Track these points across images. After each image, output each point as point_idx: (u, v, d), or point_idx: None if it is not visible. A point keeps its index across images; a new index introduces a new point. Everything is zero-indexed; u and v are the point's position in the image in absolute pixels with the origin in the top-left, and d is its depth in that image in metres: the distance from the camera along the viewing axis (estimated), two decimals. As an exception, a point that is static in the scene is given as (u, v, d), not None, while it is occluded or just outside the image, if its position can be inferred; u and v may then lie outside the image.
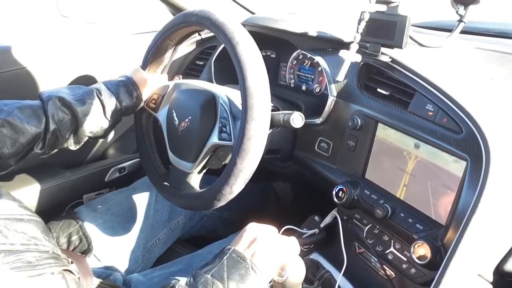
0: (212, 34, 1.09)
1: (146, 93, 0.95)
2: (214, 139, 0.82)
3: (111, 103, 0.88)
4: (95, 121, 0.87)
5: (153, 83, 0.96)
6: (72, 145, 0.88)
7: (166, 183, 0.94)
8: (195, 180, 0.89)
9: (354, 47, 0.79)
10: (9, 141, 0.78)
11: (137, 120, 1.01)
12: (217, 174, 0.79)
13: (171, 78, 1.06)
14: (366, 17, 0.75)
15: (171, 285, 0.61)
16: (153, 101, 0.96)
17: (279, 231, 0.95)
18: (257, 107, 0.70)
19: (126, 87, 0.91)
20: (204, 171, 0.88)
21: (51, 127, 0.81)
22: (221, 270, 0.61)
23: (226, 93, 0.84)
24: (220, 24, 0.74)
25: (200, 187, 0.89)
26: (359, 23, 0.88)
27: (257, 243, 0.66)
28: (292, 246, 0.70)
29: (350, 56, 0.79)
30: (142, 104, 0.96)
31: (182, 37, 0.93)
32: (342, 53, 0.80)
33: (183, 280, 0.63)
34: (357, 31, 0.76)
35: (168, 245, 1.14)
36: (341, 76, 0.80)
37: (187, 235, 1.20)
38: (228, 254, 0.63)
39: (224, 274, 0.60)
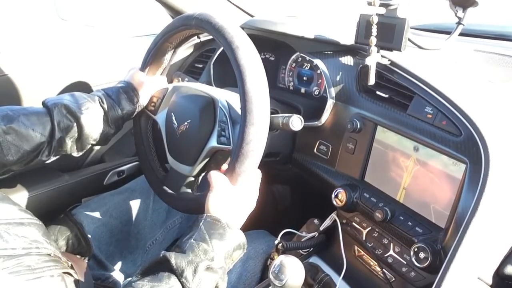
0: (211, 37, 1.09)
1: (145, 96, 0.95)
2: (213, 142, 0.82)
3: (113, 111, 0.89)
4: (98, 129, 0.88)
5: (152, 85, 0.96)
6: (74, 152, 0.88)
7: (164, 186, 0.93)
8: (193, 183, 0.89)
9: (374, 50, 0.80)
10: (14, 148, 0.77)
11: (136, 123, 1.01)
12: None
13: (170, 80, 1.06)
14: (376, 19, 0.75)
15: (161, 255, 0.62)
16: (152, 103, 0.96)
17: (277, 235, 0.95)
18: (256, 112, 0.70)
19: (127, 93, 0.92)
20: (203, 174, 0.88)
21: (57, 135, 0.82)
22: (201, 233, 0.65)
23: (226, 97, 0.84)
24: (219, 27, 0.74)
25: (199, 189, 0.89)
26: (358, 26, 0.88)
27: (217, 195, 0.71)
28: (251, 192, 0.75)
29: (374, 59, 0.81)
30: (141, 108, 0.96)
31: (182, 40, 0.93)
32: (368, 60, 0.81)
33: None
34: (372, 34, 0.77)
35: (165, 246, 1.14)
36: (371, 80, 0.82)
37: None
38: (203, 220, 0.67)
39: (205, 236, 0.65)
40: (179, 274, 0.60)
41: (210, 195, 0.71)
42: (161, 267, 0.61)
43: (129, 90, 0.92)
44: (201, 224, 0.66)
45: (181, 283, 0.59)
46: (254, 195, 0.76)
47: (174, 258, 0.61)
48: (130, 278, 0.94)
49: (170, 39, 0.91)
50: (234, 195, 0.72)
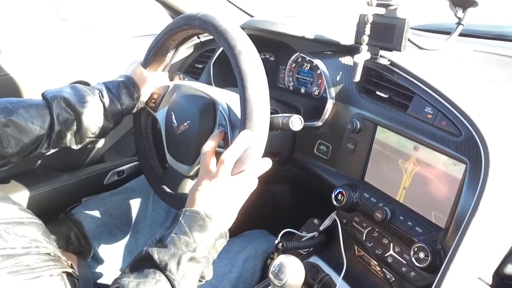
0: (211, 37, 1.09)
1: (146, 92, 0.95)
2: None
3: (113, 105, 0.89)
4: (97, 122, 0.88)
5: (154, 81, 0.96)
6: (74, 145, 0.88)
7: (163, 185, 0.94)
8: (191, 183, 0.89)
9: (365, 48, 0.81)
10: (13, 141, 0.78)
11: (136, 119, 1.01)
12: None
13: (171, 78, 1.06)
14: (370, 19, 0.76)
15: (144, 251, 0.62)
16: (153, 100, 0.96)
17: (277, 234, 0.95)
18: (256, 119, 0.70)
19: (127, 88, 0.92)
20: None
21: (56, 128, 0.82)
22: (181, 227, 0.65)
23: (226, 100, 0.84)
24: (223, 30, 0.74)
25: None
26: (358, 26, 0.88)
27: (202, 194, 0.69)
28: (246, 182, 0.71)
29: (363, 57, 0.82)
30: (142, 104, 0.96)
31: (184, 39, 0.93)
32: (356, 58, 0.83)
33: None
34: (365, 33, 0.78)
35: None
36: (357, 77, 0.83)
37: None
38: (182, 214, 0.67)
39: (186, 229, 0.64)
40: (163, 268, 0.60)
41: (192, 187, 0.71)
42: (145, 263, 0.61)
43: (129, 85, 0.92)
44: (180, 218, 0.66)
45: (166, 276, 0.59)
46: (247, 190, 0.73)
47: (156, 253, 0.61)
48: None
49: (173, 37, 0.91)
50: (219, 187, 0.70)
